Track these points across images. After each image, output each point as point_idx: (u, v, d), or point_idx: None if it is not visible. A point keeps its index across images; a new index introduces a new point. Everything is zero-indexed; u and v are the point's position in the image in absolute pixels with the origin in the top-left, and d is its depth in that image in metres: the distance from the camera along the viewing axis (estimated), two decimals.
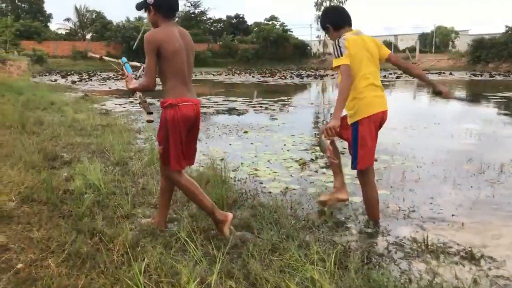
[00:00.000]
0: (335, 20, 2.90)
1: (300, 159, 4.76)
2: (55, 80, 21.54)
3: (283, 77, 26.46)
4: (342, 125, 2.79)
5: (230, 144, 5.63)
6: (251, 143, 5.69)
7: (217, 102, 11.43)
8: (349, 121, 2.83)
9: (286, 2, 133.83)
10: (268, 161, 4.71)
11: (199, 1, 58.49)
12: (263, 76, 28.27)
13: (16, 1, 51.72)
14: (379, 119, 2.82)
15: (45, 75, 27.31)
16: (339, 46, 2.72)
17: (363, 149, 2.77)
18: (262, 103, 11.01)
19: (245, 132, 6.55)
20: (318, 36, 62.23)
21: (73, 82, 20.50)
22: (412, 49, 50.54)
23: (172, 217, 2.90)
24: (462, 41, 53.16)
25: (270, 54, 54.10)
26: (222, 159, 4.68)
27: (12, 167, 3.72)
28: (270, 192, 3.60)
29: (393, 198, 3.48)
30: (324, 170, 4.30)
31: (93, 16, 54.21)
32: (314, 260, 2.16)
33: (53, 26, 55.70)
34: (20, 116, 6.52)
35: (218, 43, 55.30)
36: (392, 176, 4.11)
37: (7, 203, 2.85)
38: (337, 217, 3.03)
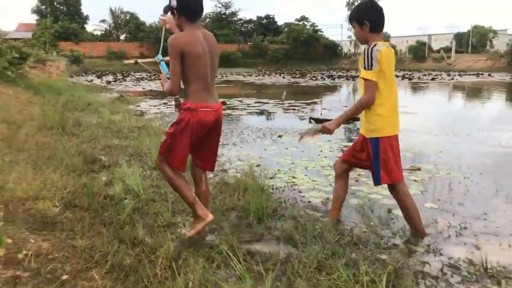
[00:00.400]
0: (375, 20, 2.61)
1: None
2: (91, 81, 22.19)
3: (314, 78, 26.19)
4: (356, 149, 2.82)
5: (265, 149, 5.54)
6: (286, 148, 5.58)
7: (249, 104, 11.39)
8: (368, 135, 2.69)
9: (317, 2, 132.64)
10: (306, 168, 4.59)
11: (230, 2, 58.94)
12: (293, 77, 28.09)
13: (55, 3, 53.72)
14: (395, 140, 2.72)
15: (82, 75, 28.21)
16: (371, 58, 2.52)
17: (385, 163, 2.65)
18: (294, 105, 10.88)
19: (279, 136, 6.45)
20: (349, 37, 61.43)
21: (108, 82, 21.05)
22: (447, 49, 48.91)
23: (212, 227, 2.84)
24: (500, 40, 50.96)
25: (300, 54, 53.80)
26: (258, 165, 4.60)
27: (55, 171, 3.78)
28: (309, 202, 3.49)
29: (441, 213, 3.28)
30: (365, 179, 4.14)
31: (127, 18, 55.63)
32: (364, 282, 2.04)
33: (89, 27, 57.53)
34: (60, 117, 6.68)
35: (248, 43, 55.46)
36: (438, 188, 3.90)
37: (51, 209, 2.88)
38: (383, 233, 2.88)
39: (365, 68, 2.55)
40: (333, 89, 19.19)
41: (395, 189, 2.75)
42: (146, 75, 29.07)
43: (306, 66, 50.25)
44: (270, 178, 4.13)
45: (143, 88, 17.49)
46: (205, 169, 2.71)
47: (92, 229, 2.66)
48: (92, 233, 2.60)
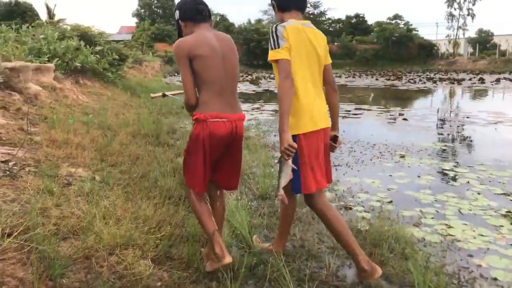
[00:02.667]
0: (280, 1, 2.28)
1: (508, 212, 3.37)
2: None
3: (411, 81, 23.88)
4: None
5: (390, 175, 4.43)
6: (418, 176, 4.41)
7: (349, 111, 10.22)
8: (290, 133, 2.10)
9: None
10: (459, 211, 3.42)
11: (319, 1, 57.62)
12: (387, 79, 26.00)
13: (153, 7, 57.23)
14: (322, 137, 2.21)
15: (174, 75, 29.18)
16: (277, 36, 2.11)
17: (305, 167, 2.15)
18: (402, 113, 9.46)
19: (402, 156, 5.27)
20: (447, 36, 56.65)
21: None
22: None
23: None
24: None
25: (391, 55, 50.72)
26: (390, 202, 3.56)
27: (148, 197, 3.16)
28: (495, 279, 2.36)
29: None
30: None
31: (217, 19, 57.20)
32: None
33: None
34: (155, 123, 6.28)
35: (336, 44, 53.60)
36: None
37: (141, 263, 2.18)
38: None
39: (272, 49, 2.12)
40: (439, 94, 17.03)
41: (311, 202, 2.25)
42: None
43: (397, 67, 47.25)
44: (415, 225, 3.07)
45: None
46: (226, 189, 2.43)
47: None
48: None
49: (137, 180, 3.61)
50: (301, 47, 2.15)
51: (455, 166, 4.82)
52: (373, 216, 3.13)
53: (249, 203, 3.34)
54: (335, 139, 2.35)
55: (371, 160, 5.08)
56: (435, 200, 3.64)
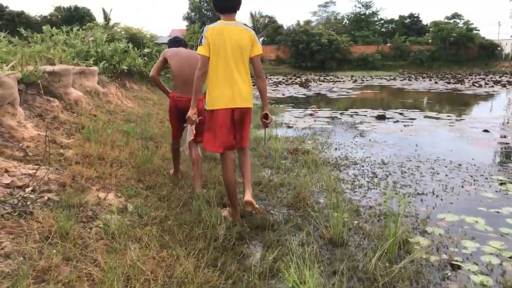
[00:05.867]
0: (215, 3, 2.89)
1: None
2: None
3: (476, 84, 21.83)
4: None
5: (496, 212, 3.41)
6: None
7: (413, 119, 9.03)
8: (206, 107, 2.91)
9: None
10: None
11: (371, 1, 55.46)
12: (448, 82, 24.04)
13: (203, 10, 57.82)
14: (230, 114, 2.81)
15: None
16: (202, 35, 2.78)
17: (208, 134, 2.88)
18: (478, 122, 8.20)
19: (502, 183, 4.16)
20: None
21: None
22: None
23: None
24: None
25: (448, 56, 47.64)
26: (511, 257, 2.62)
27: (190, 237, 2.46)
28: None
29: None
30: None
31: (266, 21, 56.68)
32: None
33: None
34: None
35: (388, 44, 51.24)
36: None
37: None
38: None
39: (199, 45, 2.79)
40: None
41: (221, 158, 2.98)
42: (283, 79, 28.36)
43: (456, 70, 44.29)
44: None
45: (283, 94, 16.34)
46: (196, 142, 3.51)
47: None
48: None
49: (176, 215, 2.92)
50: (221, 44, 2.71)
51: None
52: (497, 283, 2.22)
53: (319, 252, 2.54)
54: (265, 116, 2.95)
55: (462, 187, 4.08)
56: None
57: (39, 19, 45.46)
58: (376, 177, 4.28)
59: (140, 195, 3.17)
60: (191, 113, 2.89)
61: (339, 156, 5.17)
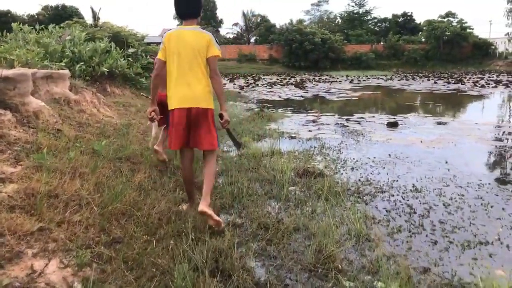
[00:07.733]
0: (176, 10, 3.04)
1: None
2: (224, 85, 21.15)
3: (477, 84, 21.07)
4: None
5: None
6: None
7: (427, 127, 8.13)
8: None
9: None
10: None
11: (364, 0, 54.77)
12: (447, 82, 23.28)
13: None
14: (185, 114, 2.91)
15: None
16: (162, 40, 2.98)
17: (170, 132, 3.02)
18: (501, 130, 7.34)
19: None
20: (507, 34, 52.18)
21: (241, 88, 19.70)
22: None
23: None
24: None
25: (442, 55, 47.23)
26: None
27: None
28: None
29: None
30: None
31: (258, 20, 55.70)
32: None
33: (223, 30, 59.41)
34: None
35: (381, 43, 50.62)
36: None
37: None
38: None
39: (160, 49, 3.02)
40: None
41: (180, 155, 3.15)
42: (277, 79, 27.41)
43: (450, 68, 43.87)
44: None
45: (279, 96, 15.35)
46: None
47: None
48: None
49: (155, 283, 1.95)
50: (176, 48, 2.92)
51: None
52: None
53: None
54: (220, 116, 3.07)
55: None
56: None
57: (26, 18, 44.05)
58: (415, 213, 3.33)
59: (98, 259, 2.20)
60: (149, 110, 3.18)
61: (359, 180, 4.22)
